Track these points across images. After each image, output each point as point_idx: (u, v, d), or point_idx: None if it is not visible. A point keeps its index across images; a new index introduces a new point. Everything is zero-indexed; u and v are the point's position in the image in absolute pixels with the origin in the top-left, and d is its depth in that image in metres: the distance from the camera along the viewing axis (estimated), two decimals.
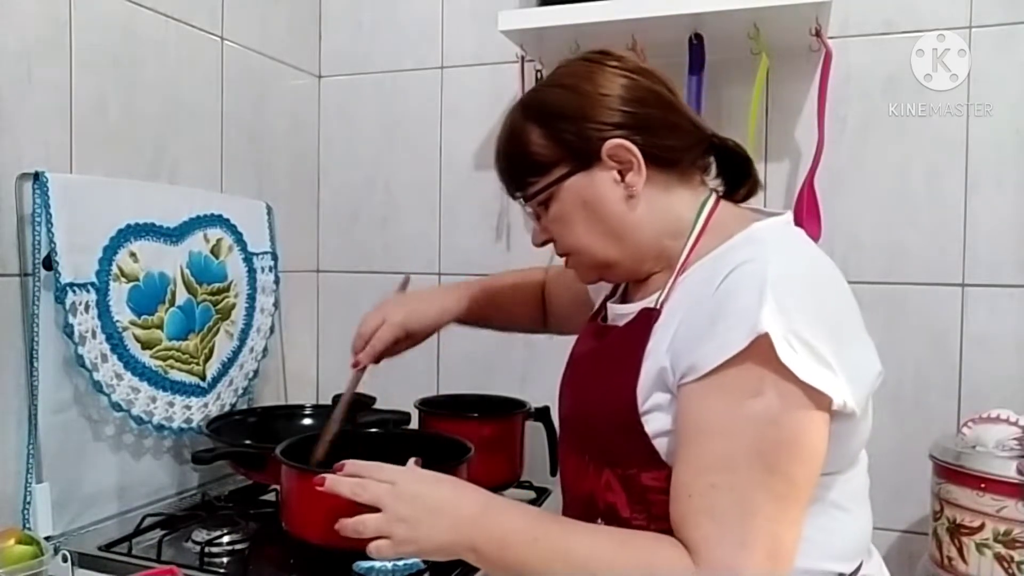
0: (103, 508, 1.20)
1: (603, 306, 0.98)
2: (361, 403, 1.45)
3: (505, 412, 1.37)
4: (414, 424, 1.35)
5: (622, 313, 0.89)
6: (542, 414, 1.37)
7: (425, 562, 1.00)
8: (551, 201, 0.86)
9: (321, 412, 1.45)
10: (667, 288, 0.83)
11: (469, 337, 1.67)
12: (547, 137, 0.84)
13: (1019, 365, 1.31)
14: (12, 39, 1.10)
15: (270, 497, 1.27)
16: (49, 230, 1.09)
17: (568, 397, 0.95)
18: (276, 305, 1.54)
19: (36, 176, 1.09)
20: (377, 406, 1.44)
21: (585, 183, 0.84)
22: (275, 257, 1.54)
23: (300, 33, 1.72)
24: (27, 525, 1.09)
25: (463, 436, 1.11)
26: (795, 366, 0.68)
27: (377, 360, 1.11)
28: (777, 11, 1.23)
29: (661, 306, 0.82)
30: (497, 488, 1.27)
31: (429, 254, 1.70)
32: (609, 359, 0.87)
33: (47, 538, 1.07)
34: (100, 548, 1.08)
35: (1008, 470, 1.09)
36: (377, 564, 0.99)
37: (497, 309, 1.21)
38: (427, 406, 1.37)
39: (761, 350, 0.69)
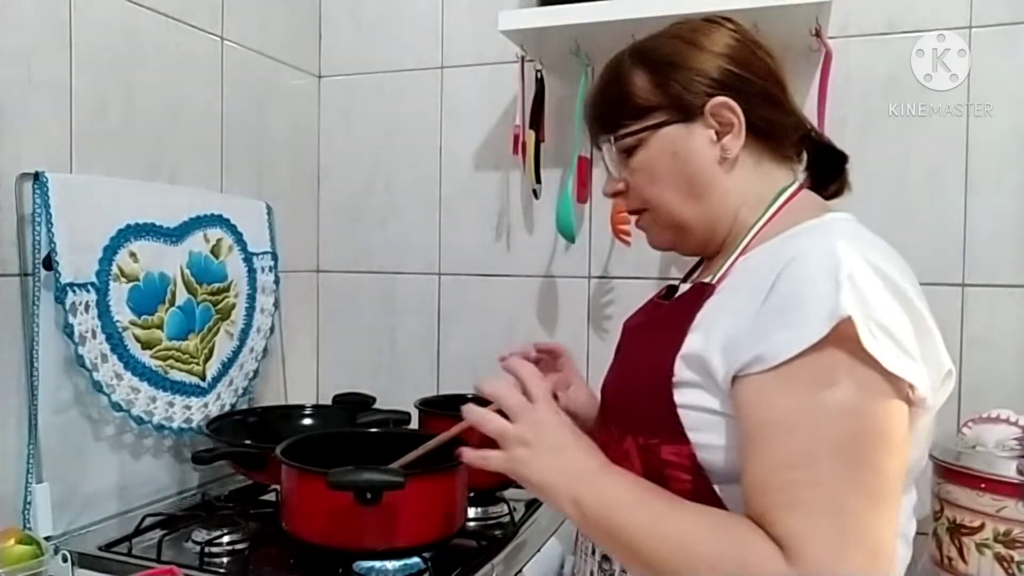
0: (103, 508, 1.20)
1: (672, 286, 0.98)
2: (364, 403, 1.45)
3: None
4: (414, 424, 1.34)
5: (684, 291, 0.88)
6: None
7: (425, 562, 1.00)
8: (639, 148, 0.85)
9: (321, 412, 1.46)
10: (726, 266, 0.81)
11: (469, 337, 1.68)
12: (653, 83, 0.83)
13: (1019, 365, 1.31)
14: (12, 39, 1.10)
15: (270, 497, 1.27)
16: (49, 230, 1.09)
17: (611, 370, 0.94)
18: (276, 305, 1.54)
19: (36, 176, 1.09)
20: (377, 406, 1.44)
21: (680, 135, 0.83)
22: (275, 257, 1.54)
23: (300, 33, 1.72)
24: (27, 525, 1.09)
25: (463, 436, 1.10)
26: (877, 351, 0.66)
27: None
28: (777, 11, 1.23)
29: (717, 282, 0.80)
30: (496, 488, 1.27)
31: (429, 254, 1.70)
32: (655, 329, 0.86)
33: (47, 538, 1.08)
34: (100, 548, 1.08)
35: (1008, 470, 1.09)
36: (377, 564, 1.00)
37: None
38: (427, 406, 1.37)
39: (841, 336, 0.66)
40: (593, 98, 0.91)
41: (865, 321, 0.66)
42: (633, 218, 0.94)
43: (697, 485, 0.75)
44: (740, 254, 0.81)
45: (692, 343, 0.76)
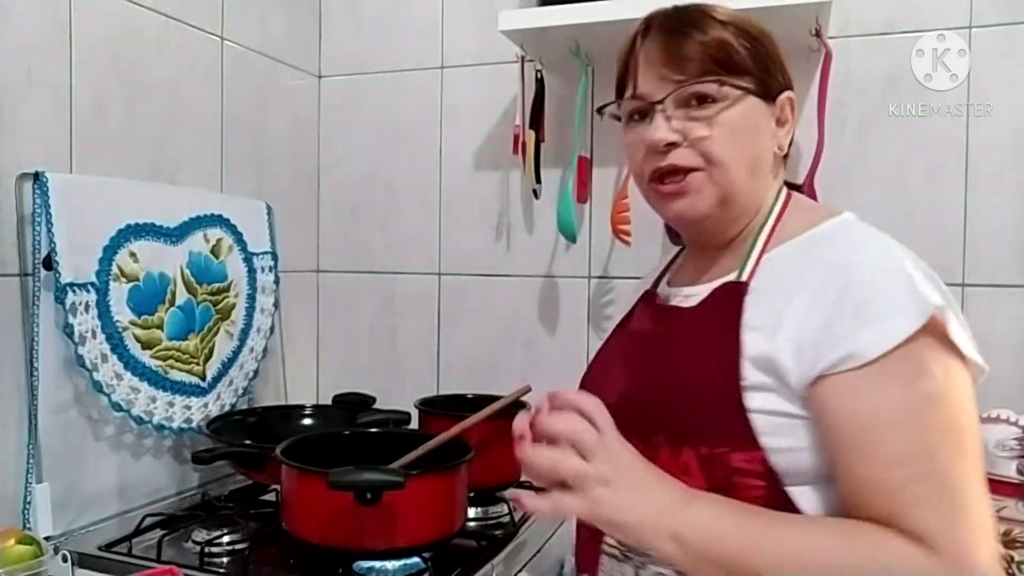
0: (103, 508, 1.20)
1: (654, 291, 0.96)
2: (364, 403, 1.45)
3: (505, 412, 1.36)
4: (414, 424, 1.34)
5: (692, 294, 0.86)
6: None
7: (425, 562, 1.00)
8: (724, 105, 0.81)
9: (321, 412, 1.46)
10: (751, 264, 0.81)
11: (469, 337, 1.68)
12: (748, 51, 0.83)
13: (1019, 365, 1.31)
14: (12, 39, 1.10)
15: (270, 497, 1.27)
16: (49, 230, 1.09)
17: (625, 379, 0.89)
18: (276, 305, 1.54)
19: (36, 176, 1.09)
20: (377, 406, 1.44)
21: (762, 110, 0.84)
22: (275, 257, 1.54)
23: (300, 33, 1.72)
24: (27, 525, 1.09)
25: (463, 436, 1.11)
26: (960, 339, 0.71)
27: None
28: (777, 11, 1.22)
29: (748, 280, 0.80)
30: (497, 488, 1.27)
31: (429, 254, 1.70)
32: (695, 335, 0.82)
33: (47, 538, 1.08)
34: (100, 548, 1.08)
35: (1008, 470, 1.09)
36: (377, 564, 1.00)
37: None
38: (427, 406, 1.37)
39: (931, 328, 0.70)
40: (679, 36, 0.83)
41: (949, 312, 0.71)
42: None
43: (770, 490, 0.74)
44: (761, 252, 0.82)
45: (757, 345, 0.75)
